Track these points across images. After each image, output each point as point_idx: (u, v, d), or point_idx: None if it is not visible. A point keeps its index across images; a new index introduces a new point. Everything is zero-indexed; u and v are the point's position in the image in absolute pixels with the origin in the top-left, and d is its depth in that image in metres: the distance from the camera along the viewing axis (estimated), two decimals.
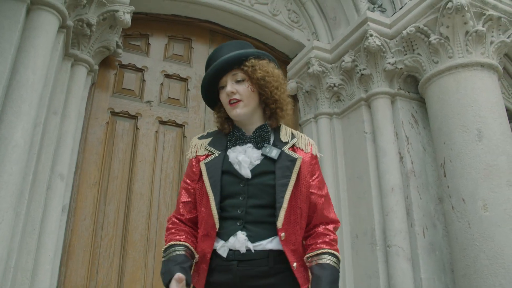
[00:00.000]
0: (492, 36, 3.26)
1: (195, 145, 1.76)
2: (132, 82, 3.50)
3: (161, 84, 3.60)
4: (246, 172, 1.59)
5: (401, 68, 3.55)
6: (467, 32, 3.18)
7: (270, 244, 1.54)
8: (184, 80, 3.72)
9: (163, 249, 1.63)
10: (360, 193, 3.46)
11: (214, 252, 1.57)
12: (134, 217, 3.08)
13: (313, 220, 1.64)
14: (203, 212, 1.61)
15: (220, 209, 1.58)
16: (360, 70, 3.66)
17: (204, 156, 1.69)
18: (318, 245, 1.60)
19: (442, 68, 3.22)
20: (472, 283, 2.75)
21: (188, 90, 3.69)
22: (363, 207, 3.41)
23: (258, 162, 1.61)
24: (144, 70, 3.58)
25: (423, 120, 3.58)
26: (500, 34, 3.30)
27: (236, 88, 1.65)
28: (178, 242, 1.61)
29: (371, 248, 3.24)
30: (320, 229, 1.64)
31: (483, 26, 3.19)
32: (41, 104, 2.41)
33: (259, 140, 1.66)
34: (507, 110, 3.45)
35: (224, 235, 1.56)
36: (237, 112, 1.65)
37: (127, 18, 3.13)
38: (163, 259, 1.60)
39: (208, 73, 1.68)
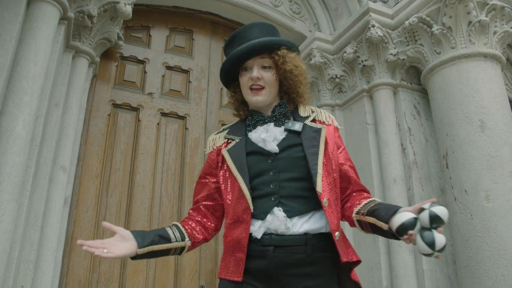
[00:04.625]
0: (495, 26, 3.23)
1: (212, 139, 1.74)
2: (133, 74, 3.49)
3: (163, 76, 3.60)
4: (273, 146, 1.56)
5: (403, 59, 3.53)
6: (470, 22, 3.15)
7: (306, 224, 1.49)
8: (186, 72, 3.71)
9: None
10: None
11: (249, 237, 1.50)
12: (136, 209, 3.09)
13: (349, 190, 1.64)
14: (228, 200, 1.58)
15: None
16: (362, 61, 3.64)
17: (224, 145, 1.67)
18: (362, 199, 1.58)
19: (445, 59, 3.20)
20: (474, 274, 2.75)
21: (189, 82, 3.68)
22: None
23: (282, 136, 1.59)
24: (145, 62, 3.57)
25: (425, 111, 3.57)
26: (503, 24, 3.27)
27: (262, 74, 1.61)
28: (174, 223, 1.63)
29: (373, 240, 3.25)
30: (357, 192, 1.65)
31: (486, 16, 3.17)
32: (42, 96, 2.41)
33: (279, 118, 1.64)
34: (510, 101, 3.43)
35: (260, 214, 1.50)
36: (258, 100, 1.62)
37: (128, 9, 3.11)
38: None
39: (238, 51, 1.61)
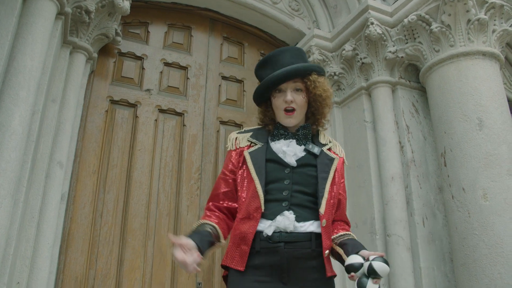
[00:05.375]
0: (494, 25, 3.23)
1: (236, 138, 1.88)
2: (131, 70, 3.48)
3: (161, 72, 3.58)
4: (291, 160, 1.73)
5: (402, 57, 3.52)
6: (469, 20, 3.15)
7: (312, 226, 1.67)
8: (184, 68, 3.69)
9: (193, 227, 1.74)
10: (360, 182, 3.45)
11: (257, 235, 1.65)
12: (134, 206, 3.08)
13: (335, 216, 1.82)
14: (243, 198, 1.73)
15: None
16: (361, 59, 3.63)
17: (246, 147, 1.83)
18: (340, 230, 1.80)
19: (443, 57, 3.20)
20: (471, 272, 2.75)
21: (188, 78, 3.67)
22: (363, 196, 3.40)
23: (302, 155, 1.77)
24: (143, 58, 3.55)
25: (423, 109, 3.57)
26: (502, 22, 3.27)
27: (294, 97, 1.77)
28: (208, 222, 1.73)
29: (371, 237, 3.24)
30: (339, 222, 1.84)
31: (485, 14, 3.16)
32: (39, 91, 2.40)
33: (301, 138, 1.81)
34: (508, 100, 3.43)
35: (269, 215, 1.66)
36: (292, 122, 1.80)
37: (126, 5, 3.09)
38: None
39: (274, 77, 1.77)
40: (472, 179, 2.87)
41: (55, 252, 2.62)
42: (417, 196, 3.23)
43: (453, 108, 3.07)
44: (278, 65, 1.79)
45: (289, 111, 1.78)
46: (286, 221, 1.63)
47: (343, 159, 1.91)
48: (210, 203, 1.82)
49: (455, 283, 3.00)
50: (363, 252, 1.58)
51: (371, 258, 1.50)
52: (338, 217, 1.84)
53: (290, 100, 1.76)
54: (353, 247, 1.64)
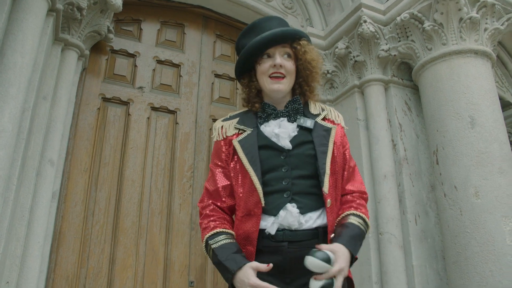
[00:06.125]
0: (486, 23, 3.24)
1: (221, 126, 1.72)
2: (124, 67, 3.45)
3: (153, 70, 3.56)
4: (286, 143, 1.58)
5: (394, 55, 3.53)
6: (461, 19, 3.16)
7: (318, 219, 1.54)
8: (177, 66, 3.68)
9: (207, 235, 1.57)
10: None
11: (260, 232, 1.51)
12: (126, 204, 3.06)
13: (344, 190, 1.66)
14: (240, 193, 1.58)
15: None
16: (354, 57, 3.63)
17: (235, 135, 1.66)
18: (346, 209, 1.61)
19: (436, 55, 3.21)
20: (463, 270, 2.76)
21: (180, 76, 3.65)
22: None
23: (295, 133, 1.61)
24: (136, 55, 3.53)
25: (416, 108, 3.58)
26: (494, 21, 3.28)
27: (283, 63, 1.63)
28: (225, 230, 1.57)
29: None
30: (348, 197, 1.65)
31: (477, 13, 3.17)
32: (29, 89, 2.37)
33: (292, 114, 1.66)
34: (500, 99, 3.44)
35: (271, 210, 1.53)
36: (279, 87, 1.63)
37: (118, 2, 3.07)
38: (212, 246, 1.53)
39: (262, 38, 1.61)
40: (464, 177, 2.88)
41: (46, 251, 2.60)
42: (409, 194, 3.24)
43: (445, 106, 3.08)
44: (265, 31, 1.63)
45: (276, 77, 1.62)
46: (290, 217, 1.48)
47: (341, 125, 1.73)
48: (211, 201, 1.64)
49: (447, 280, 3.01)
50: (330, 246, 1.44)
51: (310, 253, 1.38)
52: (349, 189, 1.66)
53: (280, 64, 1.61)
54: (335, 238, 1.49)
